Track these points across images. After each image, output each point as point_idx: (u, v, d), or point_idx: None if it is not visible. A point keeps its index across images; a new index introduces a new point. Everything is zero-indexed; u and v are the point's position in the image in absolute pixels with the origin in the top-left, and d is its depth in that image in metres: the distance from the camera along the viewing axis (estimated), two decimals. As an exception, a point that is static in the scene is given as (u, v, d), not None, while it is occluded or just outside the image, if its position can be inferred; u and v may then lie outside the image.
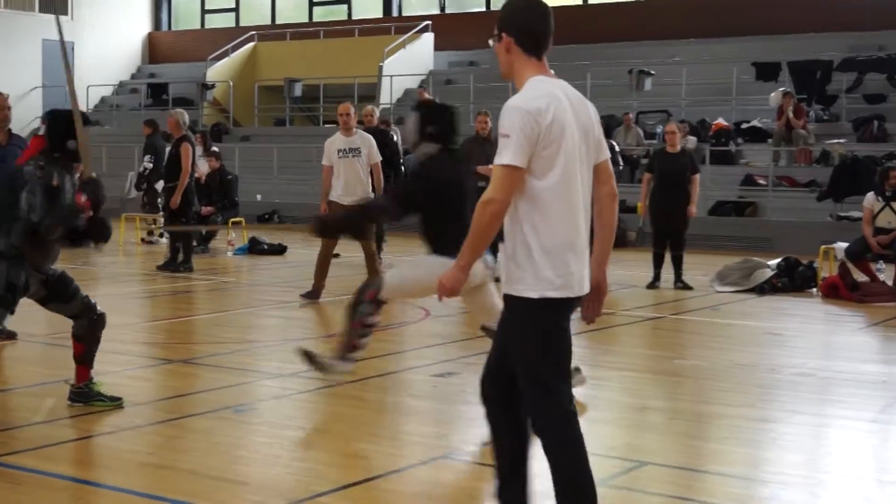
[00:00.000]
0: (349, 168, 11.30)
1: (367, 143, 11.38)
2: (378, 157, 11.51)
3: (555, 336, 4.12)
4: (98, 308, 6.65)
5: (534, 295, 4.03)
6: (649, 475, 5.55)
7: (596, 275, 4.25)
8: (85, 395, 6.64)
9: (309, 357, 6.95)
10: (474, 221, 4.00)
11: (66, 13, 31.11)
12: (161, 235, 18.18)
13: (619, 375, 8.01)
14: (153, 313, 11.29)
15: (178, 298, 12.13)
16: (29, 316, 10.28)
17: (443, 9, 29.35)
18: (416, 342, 9.40)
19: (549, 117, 3.94)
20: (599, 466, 5.58)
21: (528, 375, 4.15)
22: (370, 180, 11.42)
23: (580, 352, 9.07)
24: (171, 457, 5.73)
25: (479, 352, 8.79)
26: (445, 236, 6.28)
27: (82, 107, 30.12)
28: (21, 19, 29.97)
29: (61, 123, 6.50)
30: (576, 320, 4.30)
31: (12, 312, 6.51)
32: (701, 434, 6.47)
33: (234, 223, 17.51)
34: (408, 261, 6.95)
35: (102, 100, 32.02)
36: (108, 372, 7.83)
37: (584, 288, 4.15)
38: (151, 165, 17.67)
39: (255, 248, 16.76)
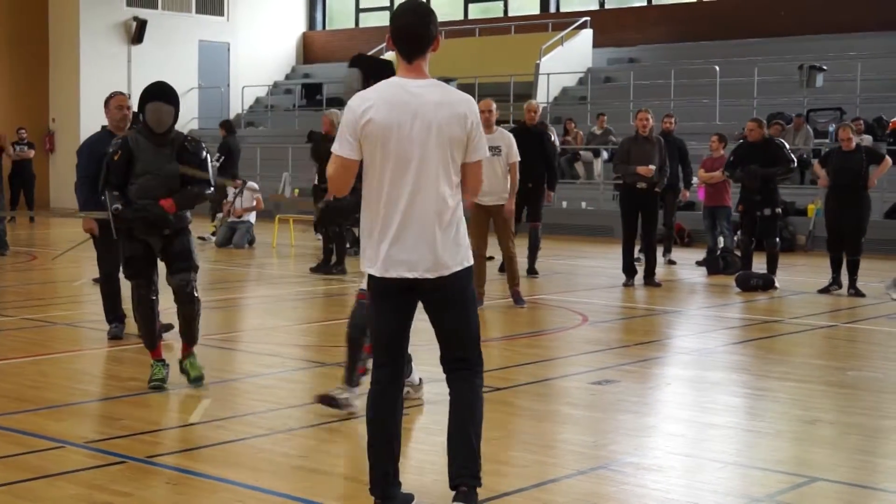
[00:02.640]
0: (488, 167, 10.94)
1: (508, 142, 11.07)
2: (517, 157, 11.15)
3: (374, 311, 4.69)
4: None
5: (364, 270, 4.66)
6: (819, 492, 5.28)
7: None
8: None
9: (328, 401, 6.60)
10: None
11: (222, 14, 31.82)
12: (213, 233, 18.76)
13: (788, 386, 7.67)
14: (306, 315, 11.35)
15: (331, 301, 12.19)
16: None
17: (602, 4, 28.96)
18: (573, 348, 9.20)
19: (367, 116, 4.49)
20: (765, 481, 5.40)
21: None
22: (508, 179, 11.04)
23: (746, 360, 8.79)
24: (324, 461, 5.72)
25: (639, 359, 8.62)
26: None
27: (237, 109, 30.74)
28: (178, 20, 30.79)
29: (140, 98, 7.16)
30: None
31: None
32: (877, 450, 6.15)
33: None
34: None
35: (257, 100, 32.63)
36: (261, 374, 7.91)
37: (400, 272, 4.54)
38: (219, 165, 18.40)
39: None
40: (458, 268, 4.59)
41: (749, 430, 6.46)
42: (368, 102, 4.53)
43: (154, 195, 7.10)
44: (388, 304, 4.64)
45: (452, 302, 4.64)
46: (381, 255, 4.57)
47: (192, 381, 7.24)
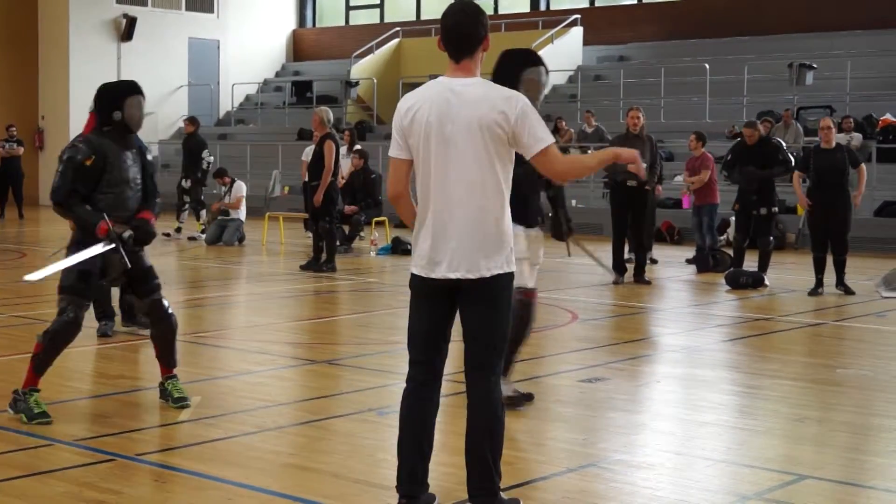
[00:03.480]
0: None
1: None
2: None
3: (412, 308, 4.70)
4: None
5: (410, 269, 4.69)
6: (808, 490, 5.28)
7: None
8: None
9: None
10: None
11: (211, 11, 31.76)
12: (202, 232, 18.70)
13: (777, 384, 7.68)
14: (296, 313, 11.34)
15: (320, 298, 12.18)
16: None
17: (592, 2, 28.98)
18: (563, 346, 9.20)
19: (410, 114, 4.55)
20: (754, 478, 5.41)
21: None
22: None
23: (736, 358, 8.80)
24: (313, 458, 5.71)
25: (628, 357, 8.62)
26: None
27: (227, 106, 30.60)
28: (168, 18, 30.71)
29: (107, 95, 6.44)
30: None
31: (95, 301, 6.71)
32: (865, 447, 6.17)
33: (377, 223, 17.58)
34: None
35: (247, 98, 32.56)
36: (251, 371, 7.90)
37: (443, 272, 4.53)
38: (212, 159, 18.91)
39: (398, 248, 16.71)
40: (500, 271, 4.54)
41: (738, 428, 6.46)
42: (412, 101, 4.58)
43: (132, 207, 6.49)
44: (428, 303, 4.63)
45: (487, 304, 4.58)
46: (424, 254, 4.57)
47: (174, 402, 6.59)
